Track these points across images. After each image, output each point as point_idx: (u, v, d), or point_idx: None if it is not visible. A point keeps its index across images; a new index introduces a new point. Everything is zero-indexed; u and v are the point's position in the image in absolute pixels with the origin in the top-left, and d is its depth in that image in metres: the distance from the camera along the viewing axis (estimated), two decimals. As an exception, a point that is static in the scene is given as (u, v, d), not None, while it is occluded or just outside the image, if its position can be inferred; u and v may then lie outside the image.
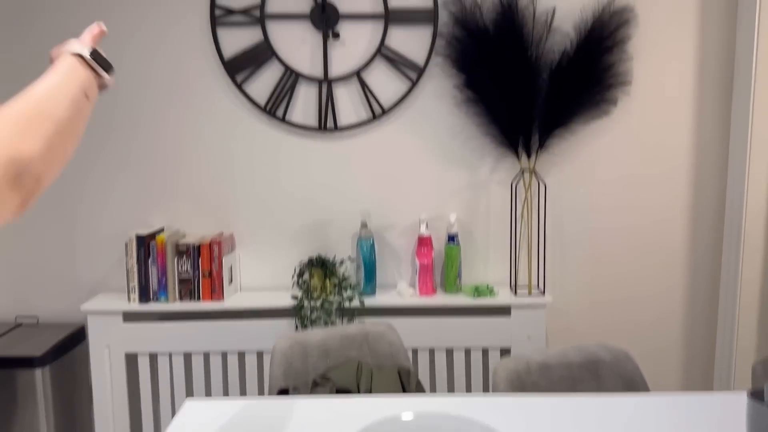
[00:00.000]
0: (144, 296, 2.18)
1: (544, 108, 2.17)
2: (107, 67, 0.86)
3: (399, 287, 2.28)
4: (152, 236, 2.19)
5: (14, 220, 0.64)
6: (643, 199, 2.34)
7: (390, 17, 2.22)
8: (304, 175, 2.33)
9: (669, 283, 2.38)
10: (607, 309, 2.39)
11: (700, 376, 2.42)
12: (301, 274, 2.26)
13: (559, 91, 2.15)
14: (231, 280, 2.28)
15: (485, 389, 2.24)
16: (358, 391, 1.61)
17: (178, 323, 2.19)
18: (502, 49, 2.13)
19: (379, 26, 2.23)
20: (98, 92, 0.85)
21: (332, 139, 2.31)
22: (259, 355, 2.23)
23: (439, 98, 2.28)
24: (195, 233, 2.32)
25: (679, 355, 2.41)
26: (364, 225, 2.28)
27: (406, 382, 1.65)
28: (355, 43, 2.25)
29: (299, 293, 2.21)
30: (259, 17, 2.21)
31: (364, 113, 2.29)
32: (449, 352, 2.25)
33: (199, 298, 2.20)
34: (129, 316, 2.20)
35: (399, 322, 2.17)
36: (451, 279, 2.28)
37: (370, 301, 2.21)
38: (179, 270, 2.18)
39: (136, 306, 2.17)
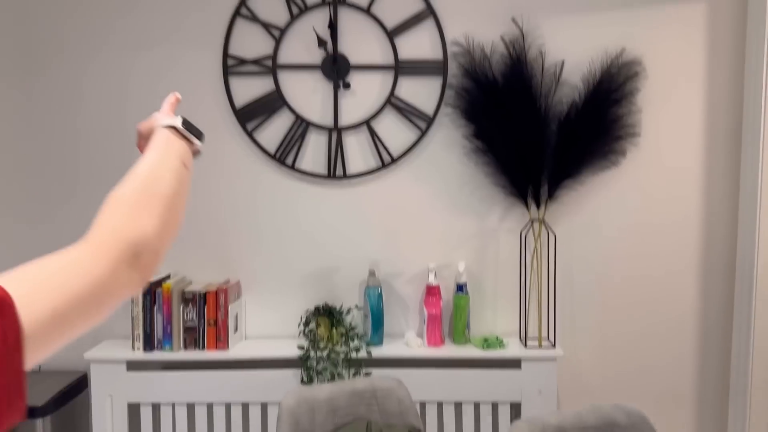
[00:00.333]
0: (148, 344, 2.15)
1: (554, 159, 2.17)
2: (198, 134, 0.89)
3: (407, 337, 2.24)
4: (158, 283, 2.17)
5: (138, 292, 0.69)
6: (653, 249, 2.31)
7: (400, 68, 2.25)
8: (312, 222, 2.32)
9: (681, 335, 2.34)
10: (619, 361, 2.34)
11: (714, 426, 2.35)
12: (307, 323, 2.23)
13: (568, 142, 2.16)
14: (236, 329, 2.25)
15: (495, 445, 2.18)
16: (366, 450, 1.57)
17: (182, 373, 2.15)
18: (511, 101, 2.15)
19: (389, 77, 2.26)
20: (193, 158, 0.87)
21: (341, 187, 2.31)
22: (264, 407, 2.18)
23: (448, 147, 2.29)
24: (201, 280, 2.30)
25: (692, 406, 2.35)
26: (372, 273, 2.26)
27: (415, 441, 1.61)
28: (365, 92, 2.27)
29: (305, 343, 2.17)
30: (271, 67, 2.25)
31: (373, 161, 2.30)
32: (458, 406, 2.19)
33: (203, 346, 2.17)
34: (132, 365, 2.17)
35: (407, 374, 2.13)
36: (459, 329, 2.24)
37: (377, 352, 2.17)
38: (185, 318, 2.16)
39: (140, 354, 2.14)
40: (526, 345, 2.22)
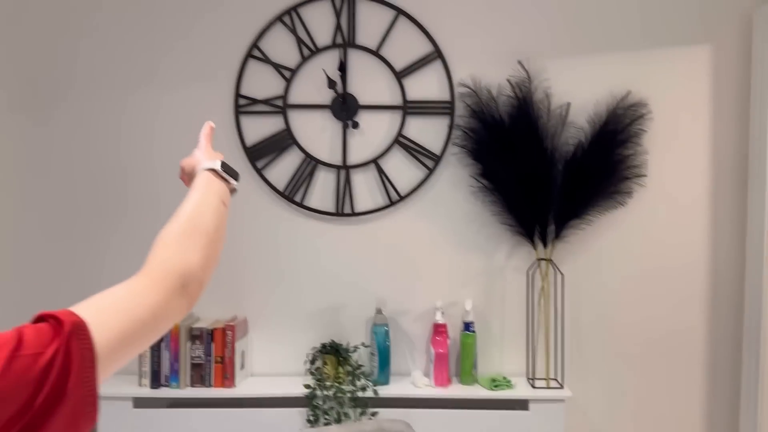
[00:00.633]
0: (155, 381, 2.15)
1: (560, 199, 2.19)
2: (235, 175, 0.99)
3: (414, 377, 2.23)
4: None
5: (185, 317, 0.81)
6: (661, 289, 2.31)
7: (408, 108, 2.29)
8: (320, 259, 2.33)
9: (689, 376, 2.31)
10: (628, 403, 2.32)
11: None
12: (313, 361, 2.23)
13: (575, 183, 2.17)
14: (243, 366, 2.25)
15: (502, 487, 2.14)
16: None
17: (189, 410, 2.14)
18: (517, 141, 2.17)
19: (397, 116, 2.30)
20: (230, 196, 0.98)
21: (349, 224, 2.33)
22: (269, 446, 2.16)
23: (455, 186, 2.31)
24: (209, 317, 2.31)
25: (704, 454, 2.31)
26: (378, 311, 2.26)
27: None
28: (373, 131, 2.30)
29: (311, 381, 2.17)
30: (282, 107, 2.29)
31: (381, 199, 2.32)
32: (465, 447, 2.17)
33: (210, 383, 2.17)
34: (139, 402, 2.16)
35: (414, 414, 2.11)
36: (466, 369, 2.23)
37: (384, 391, 2.16)
38: (192, 355, 2.16)
39: (147, 391, 2.14)
40: (533, 385, 2.20)
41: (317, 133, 2.31)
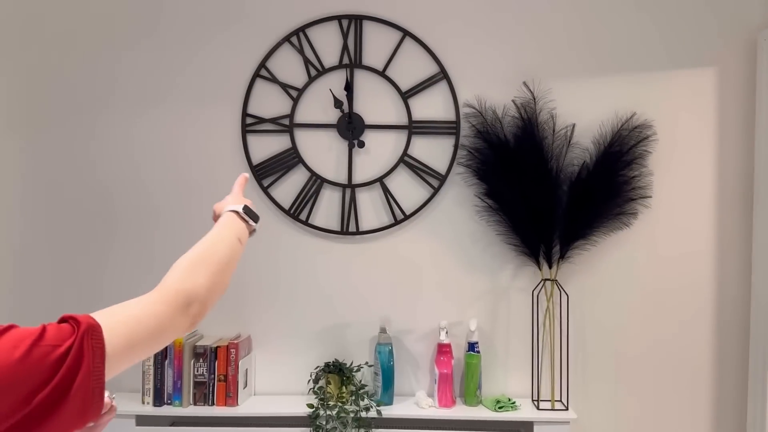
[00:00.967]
0: (158, 399, 2.14)
1: (565, 219, 2.19)
2: (255, 217, 1.13)
3: (417, 397, 2.22)
4: (170, 337, 2.17)
5: (188, 333, 0.92)
6: (666, 311, 2.29)
7: (413, 128, 2.30)
8: (324, 277, 2.33)
9: (695, 397, 2.29)
10: (633, 425, 2.29)
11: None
12: (317, 380, 2.22)
13: (580, 203, 2.17)
14: (246, 384, 2.24)
15: None
16: None
17: (191, 429, 2.13)
18: (522, 161, 2.18)
19: (402, 136, 2.31)
20: (249, 236, 1.12)
21: (354, 243, 2.34)
22: (271, 466, 2.15)
23: (460, 205, 2.31)
24: (212, 335, 2.30)
25: (712, 479, 2.28)
26: (383, 330, 2.26)
27: None
28: (379, 151, 2.32)
29: (314, 401, 2.15)
30: (288, 126, 2.31)
31: (386, 218, 2.33)
32: (469, 469, 2.15)
33: (213, 402, 2.16)
34: (141, 420, 2.15)
35: (417, 435, 2.10)
36: (471, 390, 2.21)
37: (387, 411, 2.15)
38: (195, 373, 2.16)
39: (149, 409, 2.13)
40: (538, 407, 2.18)
41: (323, 152, 2.32)
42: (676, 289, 2.29)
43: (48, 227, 2.33)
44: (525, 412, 2.15)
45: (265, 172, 2.31)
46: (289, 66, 2.31)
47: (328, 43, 2.30)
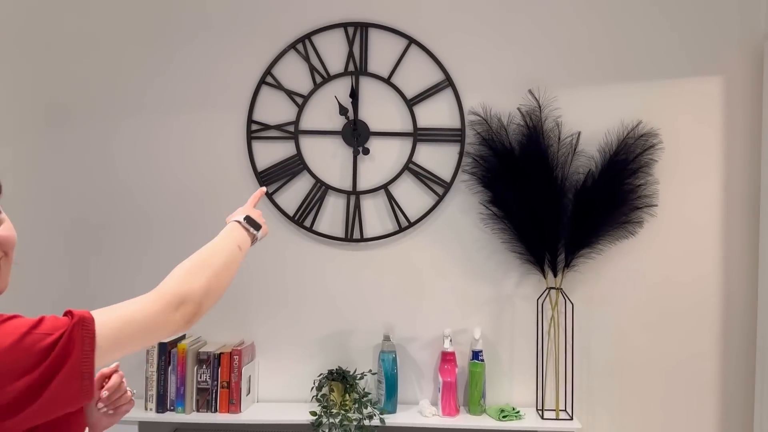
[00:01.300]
0: (161, 405, 2.14)
1: (570, 227, 2.18)
2: (257, 226, 1.18)
3: (421, 405, 2.21)
4: (173, 343, 2.17)
5: (183, 331, 0.97)
6: (672, 319, 2.28)
7: (418, 135, 2.30)
8: (328, 284, 2.33)
9: (701, 407, 2.27)
10: (639, 436, 2.28)
11: None
12: (320, 388, 2.21)
13: (585, 212, 2.17)
14: (249, 391, 2.23)
15: None
16: None
17: (193, 436, 2.12)
18: (527, 169, 2.17)
19: (407, 143, 2.31)
20: (251, 244, 1.18)
21: (358, 250, 2.33)
22: (274, 474, 2.14)
23: (465, 213, 2.31)
24: (216, 341, 2.30)
25: (719, 491, 2.25)
26: (386, 338, 2.25)
27: None
28: (383, 158, 2.32)
29: (318, 408, 2.14)
30: (293, 132, 2.31)
31: (390, 225, 2.32)
32: (472, 479, 2.13)
33: (216, 408, 2.15)
34: (144, 426, 2.15)
35: (420, 444, 2.08)
36: (475, 398, 2.20)
37: (390, 420, 2.14)
38: (198, 379, 2.15)
39: (152, 415, 2.12)
40: (543, 416, 2.17)
41: (328, 158, 2.32)
42: (682, 297, 2.28)
43: (54, 230, 2.34)
44: (529, 421, 2.14)
45: (270, 179, 2.31)
46: (294, 73, 2.31)
47: (333, 51, 2.31)
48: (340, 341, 2.32)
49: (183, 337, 2.26)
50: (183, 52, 2.33)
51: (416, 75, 2.30)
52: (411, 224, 2.31)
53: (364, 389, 2.21)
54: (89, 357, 0.80)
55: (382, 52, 2.30)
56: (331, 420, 2.10)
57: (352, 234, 2.32)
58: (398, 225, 2.31)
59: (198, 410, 2.15)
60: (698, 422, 2.27)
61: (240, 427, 2.16)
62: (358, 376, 2.23)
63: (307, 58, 2.30)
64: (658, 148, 2.24)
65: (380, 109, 2.31)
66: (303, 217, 2.32)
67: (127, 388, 1.10)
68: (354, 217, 2.32)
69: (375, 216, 2.33)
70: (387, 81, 2.30)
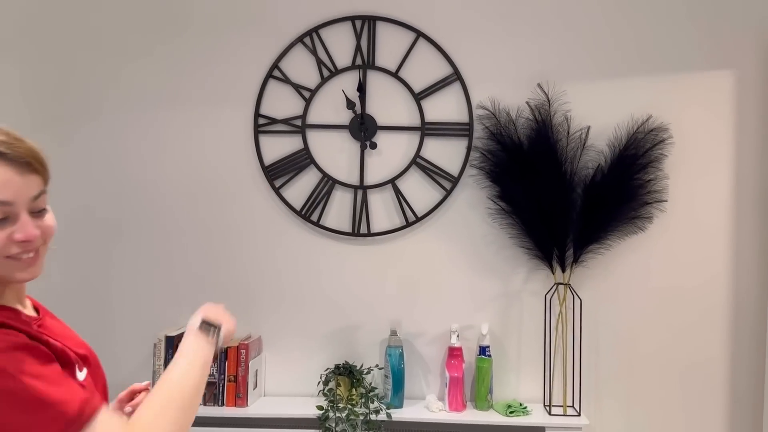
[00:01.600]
0: (168, 399, 2.14)
1: (579, 223, 2.16)
2: (215, 328, 1.08)
3: (428, 400, 2.20)
4: (181, 337, 2.17)
5: None
6: (682, 316, 2.26)
7: (426, 129, 2.29)
8: (335, 279, 2.33)
9: (710, 404, 2.25)
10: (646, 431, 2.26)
11: None
12: (326, 382, 2.21)
13: (594, 207, 2.15)
14: (256, 385, 2.24)
15: None
16: None
17: (200, 429, 2.12)
18: (536, 164, 2.16)
19: (415, 138, 2.30)
20: (216, 347, 1.08)
21: (365, 245, 2.33)
22: (280, 468, 2.14)
23: (473, 208, 2.30)
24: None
25: (727, 488, 2.24)
26: (393, 333, 2.24)
27: None
28: (391, 152, 2.31)
29: (324, 403, 2.14)
30: (301, 126, 2.30)
31: (397, 220, 2.32)
32: (479, 474, 2.12)
33: (223, 402, 2.16)
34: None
35: (427, 439, 2.08)
36: (482, 394, 2.19)
37: (397, 414, 2.13)
38: (205, 373, 2.15)
39: (159, 409, 2.12)
40: (550, 412, 2.16)
41: (335, 153, 2.31)
42: (692, 294, 2.26)
43: (60, 224, 2.34)
44: (536, 417, 2.13)
45: (276, 173, 2.31)
46: (301, 67, 2.30)
47: (341, 44, 2.30)
48: (347, 336, 2.32)
49: (190, 331, 2.26)
50: (190, 46, 2.32)
51: (424, 69, 2.29)
52: (418, 219, 2.30)
53: (370, 384, 2.21)
54: None
55: (389, 45, 2.29)
56: (338, 414, 2.10)
57: (359, 229, 2.31)
58: (405, 220, 2.30)
59: (205, 404, 2.15)
60: (707, 417, 2.25)
61: (247, 421, 2.16)
62: (365, 371, 2.23)
63: (314, 52, 2.29)
64: (669, 142, 2.22)
65: (388, 103, 2.30)
66: (310, 212, 2.31)
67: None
68: (361, 211, 2.31)
69: (382, 211, 2.32)
70: (395, 75, 2.29)
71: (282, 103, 2.31)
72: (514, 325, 2.30)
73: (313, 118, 2.31)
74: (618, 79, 2.26)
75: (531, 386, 2.28)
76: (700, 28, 2.25)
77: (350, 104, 2.28)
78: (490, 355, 2.21)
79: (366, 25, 2.28)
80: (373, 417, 2.10)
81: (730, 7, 2.24)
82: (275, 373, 2.33)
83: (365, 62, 2.29)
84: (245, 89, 2.31)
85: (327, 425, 2.09)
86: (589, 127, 2.22)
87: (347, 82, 2.30)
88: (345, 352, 2.31)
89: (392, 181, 2.30)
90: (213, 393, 2.16)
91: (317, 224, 2.31)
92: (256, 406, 2.19)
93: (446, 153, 2.29)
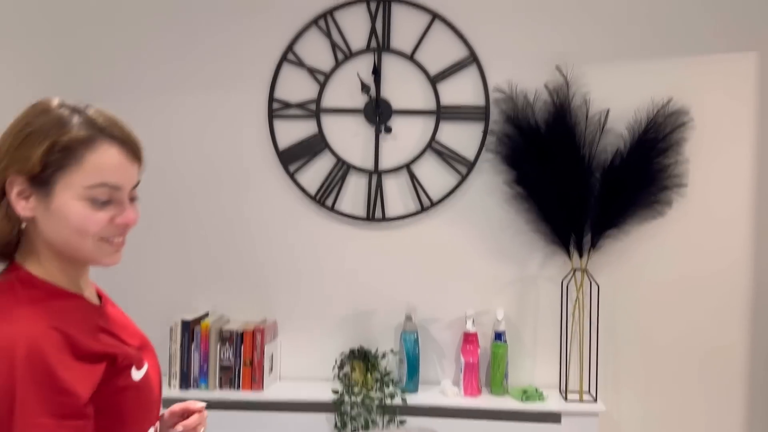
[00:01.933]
0: (184, 383, 2.16)
1: (597, 207, 2.14)
2: None
3: (443, 385, 2.20)
4: (197, 321, 2.19)
5: None
6: (700, 302, 2.23)
7: (442, 113, 2.26)
8: (350, 264, 2.32)
9: (728, 391, 2.23)
10: (663, 418, 2.25)
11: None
12: (342, 367, 2.21)
13: (612, 192, 2.12)
14: (272, 369, 2.25)
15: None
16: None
17: (217, 413, 2.13)
18: (553, 148, 2.13)
19: (430, 121, 2.27)
20: None
21: (380, 229, 2.31)
22: (296, 451, 2.15)
23: (489, 193, 2.27)
24: (239, 319, 2.31)
25: (744, 475, 2.22)
26: (408, 318, 2.24)
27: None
28: (406, 137, 2.28)
29: (339, 387, 2.15)
30: (315, 111, 2.29)
31: (412, 205, 2.30)
32: (494, 459, 2.12)
33: (239, 386, 2.17)
34: (167, 403, 2.17)
35: (442, 424, 2.08)
36: (497, 379, 2.19)
37: (412, 399, 2.13)
38: (221, 357, 2.17)
39: (176, 392, 2.14)
40: (566, 398, 2.15)
41: (350, 137, 2.30)
42: (711, 280, 2.23)
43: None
44: (552, 403, 2.12)
45: (291, 158, 2.30)
46: (316, 50, 2.28)
47: (355, 27, 2.27)
48: (362, 321, 2.32)
49: (206, 315, 2.27)
50: (204, 29, 2.30)
51: (440, 51, 2.25)
52: (433, 204, 2.28)
53: (385, 368, 2.21)
54: None
55: (405, 27, 2.26)
56: (353, 399, 2.10)
57: (374, 214, 2.30)
58: (420, 205, 2.29)
59: (221, 388, 2.17)
60: (726, 404, 2.23)
61: (262, 404, 2.17)
62: (380, 356, 2.23)
63: (328, 35, 2.27)
64: (689, 126, 2.18)
65: (403, 86, 2.27)
66: (325, 197, 2.30)
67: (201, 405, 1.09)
68: (376, 196, 2.30)
69: (397, 195, 2.30)
70: (410, 58, 2.26)
71: (296, 87, 2.29)
72: (530, 310, 2.28)
73: (327, 102, 2.29)
74: (638, 62, 2.22)
75: (547, 372, 2.27)
76: (721, 9, 2.19)
77: (365, 88, 2.25)
78: (505, 341, 2.20)
79: (381, 6, 2.25)
80: (388, 401, 2.10)
81: (754, -13, 2.18)
82: (290, 357, 2.33)
83: (380, 45, 2.26)
84: (259, 73, 2.30)
85: (342, 409, 2.10)
86: (608, 111, 2.19)
87: (362, 66, 2.27)
88: (360, 337, 2.31)
89: (407, 166, 2.29)
90: (229, 377, 2.17)
91: (332, 209, 2.30)
92: (272, 390, 2.20)
93: (462, 137, 2.27)
